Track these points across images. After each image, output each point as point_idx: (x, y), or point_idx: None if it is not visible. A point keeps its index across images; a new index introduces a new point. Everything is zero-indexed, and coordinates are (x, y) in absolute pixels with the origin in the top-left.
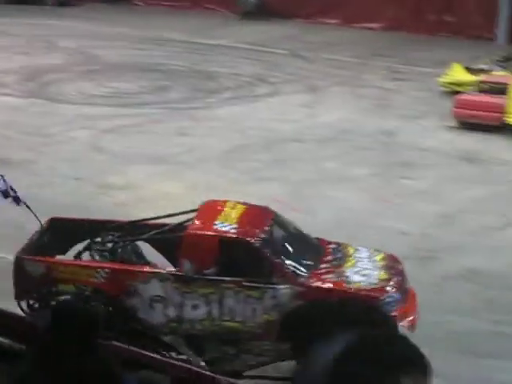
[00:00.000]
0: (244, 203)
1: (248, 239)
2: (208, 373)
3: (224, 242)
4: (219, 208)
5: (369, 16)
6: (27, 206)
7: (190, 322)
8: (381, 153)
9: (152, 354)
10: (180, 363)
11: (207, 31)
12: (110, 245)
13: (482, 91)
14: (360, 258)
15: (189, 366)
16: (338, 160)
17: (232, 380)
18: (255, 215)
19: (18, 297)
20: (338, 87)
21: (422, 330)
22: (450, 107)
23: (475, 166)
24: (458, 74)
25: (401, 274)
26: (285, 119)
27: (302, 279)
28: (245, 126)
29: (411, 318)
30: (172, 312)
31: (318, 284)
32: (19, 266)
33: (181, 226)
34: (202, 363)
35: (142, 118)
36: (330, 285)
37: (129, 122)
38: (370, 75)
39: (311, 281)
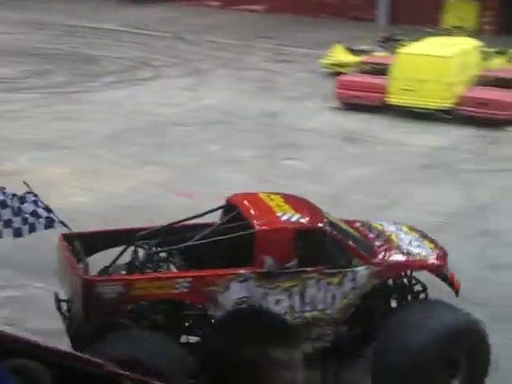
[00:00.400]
0: (275, 193)
1: (322, 226)
2: (91, 358)
3: (300, 233)
4: (261, 200)
5: None
6: (65, 225)
7: None
8: (265, 135)
9: (24, 337)
10: (56, 347)
11: (88, 14)
12: (162, 254)
13: (364, 72)
14: (395, 231)
15: (67, 351)
16: (222, 143)
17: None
18: (301, 203)
19: (89, 319)
20: (221, 70)
21: None
22: (333, 88)
23: (358, 146)
24: (339, 55)
25: (430, 237)
26: (168, 103)
27: (375, 259)
28: (129, 110)
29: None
30: None
31: (393, 260)
32: (90, 288)
33: (232, 225)
34: None
35: (23, 104)
36: (403, 259)
37: (10, 108)
38: (253, 57)
39: (383, 259)
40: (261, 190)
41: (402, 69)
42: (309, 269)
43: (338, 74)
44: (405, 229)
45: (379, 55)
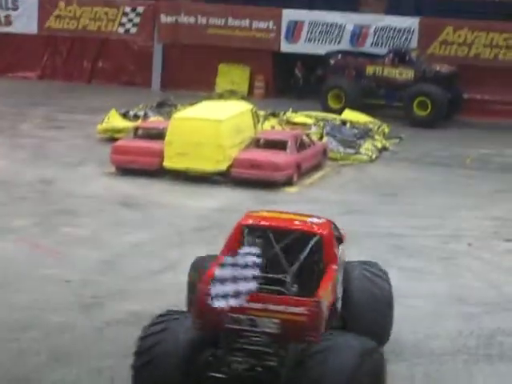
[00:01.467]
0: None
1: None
2: None
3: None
4: (280, 216)
5: (23, 65)
6: None
7: None
8: (40, 202)
9: None
10: None
11: None
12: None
13: (139, 137)
14: None
15: None
16: None
17: None
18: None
19: (203, 328)
20: None
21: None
22: (109, 154)
23: (135, 210)
24: (114, 120)
25: None
26: None
27: None
28: None
29: None
30: None
31: None
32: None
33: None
34: None
35: None
36: None
37: None
38: (27, 124)
39: None
40: (36, 259)
41: (176, 133)
42: None
43: (114, 139)
44: None
45: (154, 120)
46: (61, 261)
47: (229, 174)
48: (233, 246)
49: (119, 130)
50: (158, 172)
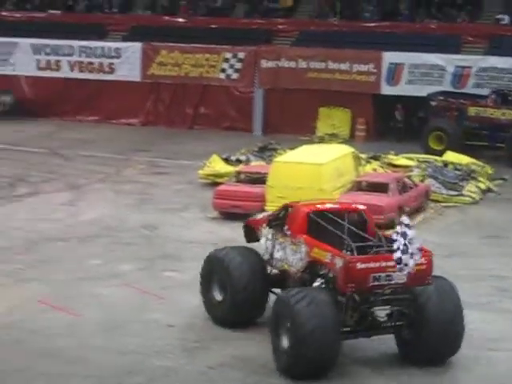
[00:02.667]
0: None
1: None
2: None
3: None
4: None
5: (127, 112)
6: None
7: None
8: (144, 247)
9: None
10: None
11: None
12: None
13: (241, 181)
14: None
15: None
16: (103, 257)
17: None
18: None
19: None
20: (99, 184)
21: None
22: (211, 198)
23: None
24: (216, 165)
25: None
26: (47, 218)
27: None
28: (6, 226)
29: None
30: None
31: None
32: None
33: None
34: None
35: None
36: None
37: None
38: (130, 170)
39: None
40: (141, 303)
41: (277, 177)
42: None
43: (216, 184)
44: None
45: (255, 164)
46: (165, 305)
47: None
48: (300, 230)
49: (221, 175)
50: None
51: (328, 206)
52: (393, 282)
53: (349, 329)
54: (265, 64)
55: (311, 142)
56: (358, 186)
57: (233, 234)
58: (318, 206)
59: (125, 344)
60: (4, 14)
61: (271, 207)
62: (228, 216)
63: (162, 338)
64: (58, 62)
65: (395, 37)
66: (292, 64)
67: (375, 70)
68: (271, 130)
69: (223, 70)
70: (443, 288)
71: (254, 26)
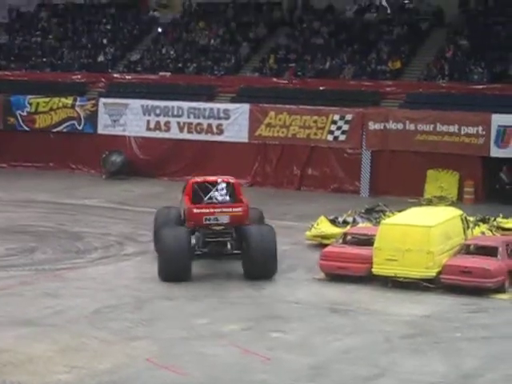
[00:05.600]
0: None
1: None
2: None
3: None
4: None
5: (234, 173)
6: None
7: None
8: (250, 307)
9: None
10: None
11: (74, 191)
12: None
13: (348, 243)
14: None
15: None
16: (209, 316)
17: None
18: None
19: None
20: None
21: None
22: (317, 260)
23: (344, 316)
24: (323, 226)
25: None
26: (155, 278)
27: None
28: (114, 285)
29: None
30: None
31: None
32: None
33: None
34: None
35: (10, 281)
36: None
37: None
38: None
39: None
40: (247, 364)
41: (385, 239)
42: None
43: (323, 245)
44: None
45: (362, 226)
46: (270, 366)
47: (438, 281)
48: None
49: (328, 236)
50: (367, 278)
51: (208, 178)
52: (219, 221)
53: (199, 252)
54: (372, 126)
55: (419, 204)
56: (467, 249)
57: (339, 296)
58: (198, 179)
59: None
60: (116, 75)
61: (378, 269)
62: (335, 278)
63: None
64: (167, 122)
65: (504, 99)
66: (400, 126)
67: (484, 133)
68: (378, 191)
69: (331, 132)
70: (264, 228)
71: (361, 88)
